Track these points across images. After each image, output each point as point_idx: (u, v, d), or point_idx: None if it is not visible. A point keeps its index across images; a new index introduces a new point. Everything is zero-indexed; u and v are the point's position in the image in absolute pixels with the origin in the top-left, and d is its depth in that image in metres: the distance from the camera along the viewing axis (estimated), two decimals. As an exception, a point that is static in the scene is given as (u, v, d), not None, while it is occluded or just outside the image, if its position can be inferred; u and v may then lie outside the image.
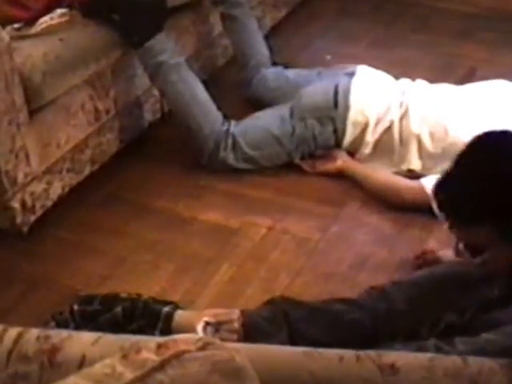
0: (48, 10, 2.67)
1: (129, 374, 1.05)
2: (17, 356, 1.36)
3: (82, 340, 1.41)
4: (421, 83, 3.07)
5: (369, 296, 2.19)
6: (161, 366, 1.06)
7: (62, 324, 1.99)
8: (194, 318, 1.99)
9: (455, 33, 4.01)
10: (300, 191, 2.92)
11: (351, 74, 3.02)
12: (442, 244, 2.61)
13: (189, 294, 2.45)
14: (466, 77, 3.57)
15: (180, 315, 2.01)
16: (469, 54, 3.80)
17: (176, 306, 2.07)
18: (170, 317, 1.96)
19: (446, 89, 3.03)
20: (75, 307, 2.01)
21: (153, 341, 1.12)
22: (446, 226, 1.87)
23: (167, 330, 1.94)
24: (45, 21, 2.63)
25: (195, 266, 2.58)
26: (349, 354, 1.37)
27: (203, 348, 1.10)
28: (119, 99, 2.95)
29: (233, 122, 2.99)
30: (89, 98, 2.79)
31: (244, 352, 1.13)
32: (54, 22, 2.63)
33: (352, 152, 2.98)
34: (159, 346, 1.10)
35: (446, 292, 2.17)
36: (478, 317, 2.08)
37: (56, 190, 2.75)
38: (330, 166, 2.95)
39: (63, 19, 2.67)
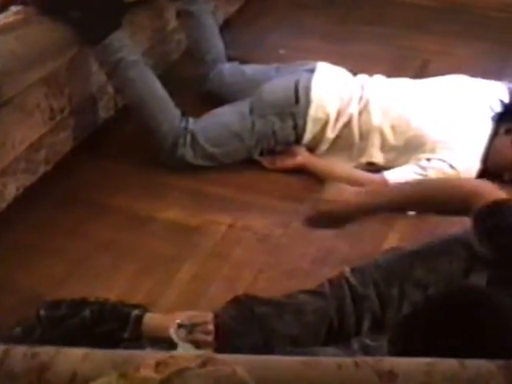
0: (2, 7, 2.63)
1: None
2: (3, 375, 1.32)
3: (72, 356, 1.36)
4: (379, 78, 3.09)
5: (330, 285, 2.21)
6: None
7: (28, 330, 1.96)
8: (165, 320, 1.98)
9: (409, 25, 4.04)
10: (260, 187, 2.92)
11: (311, 71, 3.02)
12: (403, 238, 2.65)
13: (151, 294, 2.43)
14: (421, 69, 3.61)
15: (150, 318, 1.99)
16: (423, 47, 3.84)
17: (145, 310, 2.05)
18: (139, 319, 1.95)
19: (404, 83, 3.06)
20: (42, 312, 1.98)
21: (150, 357, 1.10)
22: None
23: (136, 333, 1.93)
24: (-1, 19, 2.60)
25: (156, 266, 2.56)
26: (347, 361, 1.36)
27: (204, 364, 1.09)
28: (74, 97, 2.92)
29: (191, 119, 2.98)
30: (44, 97, 2.76)
31: (242, 364, 1.12)
32: (8, 20, 2.59)
33: (311, 148, 2.99)
34: (158, 364, 1.08)
35: (410, 271, 2.21)
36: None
37: (11, 191, 2.72)
38: (289, 162, 2.96)
39: (18, 17, 2.63)
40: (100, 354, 1.39)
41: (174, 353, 1.13)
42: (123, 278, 2.52)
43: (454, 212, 2.11)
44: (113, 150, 3.12)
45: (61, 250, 2.65)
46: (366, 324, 2.16)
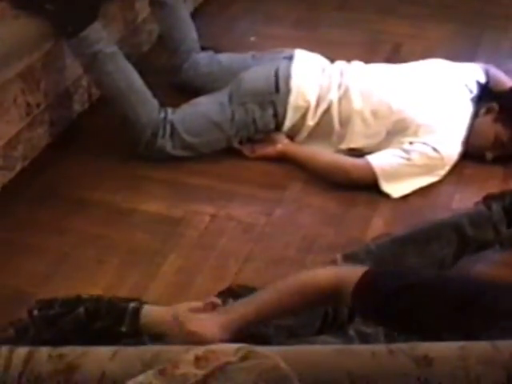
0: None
1: None
2: (29, 378, 1.30)
3: (99, 356, 1.34)
4: (357, 64, 3.07)
5: None
6: (205, 380, 1.03)
7: (21, 331, 1.91)
8: (163, 312, 1.94)
9: (378, 9, 4.04)
10: (240, 176, 2.89)
11: (290, 58, 2.99)
12: (387, 222, 2.65)
13: (137, 287, 2.39)
14: (393, 52, 3.61)
15: (148, 310, 1.95)
16: (393, 30, 3.84)
17: (142, 303, 2.01)
18: (136, 312, 1.91)
19: (383, 68, 3.05)
20: (35, 312, 1.94)
21: (186, 353, 1.07)
22: None
23: (134, 326, 1.88)
24: (-27, 14, 2.55)
25: (141, 259, 2.52)
26: (380, 348, 1.35)
27: (245, 358, 1.07)
28: (49, 92, 2.88)
29: (170, 110, 2.93)
30: (21, 92, 2.71)
31: (277, 355, 1.10)
32: (-18, 15, 2.55)
33: (291, 135, 2.97)
34: (198, 359, 1.05)
35: (402, 257, 2.25)
36: None
37: (-11, 189, 2.68)
38: (270, 150, 2.94)
39: (-7, 12, 2.59)
40: (128, 353, 1.37)
41: (212, 347, 1.10)
42: (108, 272, 2.47)
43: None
44: (89, 144, 3.07)
45: (43, 247, 2.59)
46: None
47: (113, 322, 1.87)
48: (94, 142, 3.09)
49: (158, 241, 2.60)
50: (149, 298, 2.31)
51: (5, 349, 1.39)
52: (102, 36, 2.84)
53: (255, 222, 2.68)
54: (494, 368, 1.28)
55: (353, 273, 1.70)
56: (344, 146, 2.89)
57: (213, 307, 1.89)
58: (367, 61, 3.14)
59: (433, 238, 2.28)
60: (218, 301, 1.92)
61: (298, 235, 2.61)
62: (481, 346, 1.34)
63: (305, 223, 2.67)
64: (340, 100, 2.89)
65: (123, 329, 1.86)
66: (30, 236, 2.64)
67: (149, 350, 1.42)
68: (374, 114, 2.85)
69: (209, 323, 1.84)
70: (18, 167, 2.81)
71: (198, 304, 1.93)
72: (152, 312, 1.93)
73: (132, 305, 1.94)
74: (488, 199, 2.45)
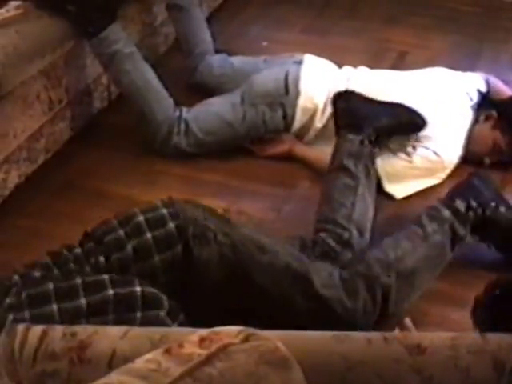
0: (2, 2, 2.60)
1: (176, 369, 1.02)
2: (44, 354, 1.30)
3: (110, 334, 1.35)
4: (363, 70, 3.09)
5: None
6: (208, 360, 1.04)
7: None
8: None
9: (384, 18, 4.05)
10: (251, 173, 2.91)
11: (299, 63, 3.01)
12: (390, 221, 2.67)
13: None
14: (398, 60, 3.62)
15: None
16: (398, 39, 3.85)
17: None
18: None
19: (388, 74, 3.07)
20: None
21: (192, 334, 1.09)
22: None
23: None
24: (0, 13, 2.56)
25: (157, 250, 2.54)
26: (376, 335, 1.38)
27: (246, 339, 1.08)
28: (71, 88, 2.89)
29: (184, 108, 2.95)
30: (44, 88, 2.73)
31: (276, 338, 1.11)
32: (9, 14, 2.56)
33: (300, 136, 2.99)
34: (202, 340, 1.07)
35: None
36: None
37: (13, 179, 2.69)
38: (279, 150, 2.96)
39: (18, 11, 2.60)
40: (138, 332, 1.39)
41: (216, 329, 1.12)
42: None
43: None
44: (108, 140, 3.09)
45: (62, 235, 2.57)
46: None
47: None
48: (112, 137, 3.10)
49: (174, 233, 2.61)
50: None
51: (21, 326, 1.40)
52: (121, 37, 2.87)
53: (265, 217, 2.69)
54: (483, 358, 1.31)
55: None
56: (349, 148, 2.90)
57: None
58: (373, 67, 3.15)
59: None
60: None
61: (306, 231, 2.62)
62: (471, 337, 1.37)
63: (312, 220, 2.67)
64: (346, 104, 2.91)
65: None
66: (51, 225, 2.66)
67: (158, 330, 1.44)
68: None
69: None
70: (41, 159, 2.83)
71: None
72: None
73: None
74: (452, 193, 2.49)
